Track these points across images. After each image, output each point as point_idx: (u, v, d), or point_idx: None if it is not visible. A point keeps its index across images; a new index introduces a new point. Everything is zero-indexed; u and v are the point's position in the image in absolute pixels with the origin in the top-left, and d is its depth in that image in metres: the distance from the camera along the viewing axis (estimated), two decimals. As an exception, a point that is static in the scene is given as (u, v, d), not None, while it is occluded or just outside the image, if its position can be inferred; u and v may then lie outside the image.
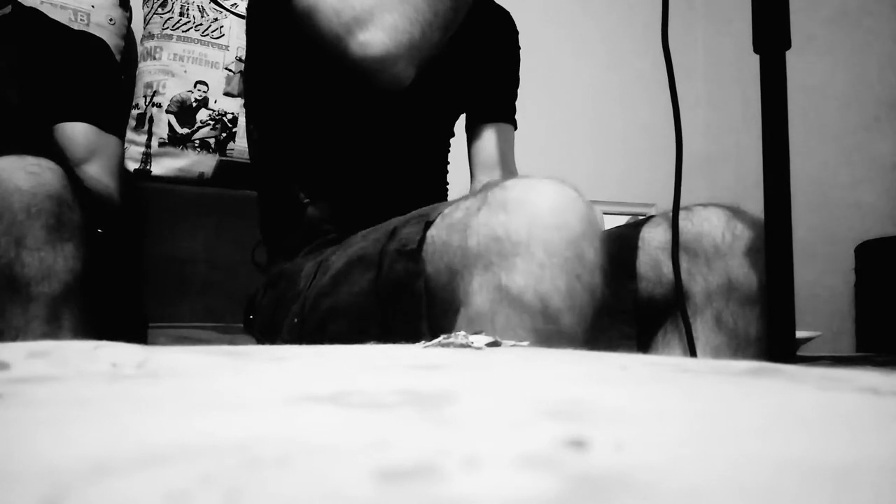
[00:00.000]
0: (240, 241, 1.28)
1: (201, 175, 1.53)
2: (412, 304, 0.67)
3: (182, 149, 1.52)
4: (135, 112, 1.52)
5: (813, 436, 0.19)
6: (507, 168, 1.15)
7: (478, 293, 0.61)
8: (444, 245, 0.65)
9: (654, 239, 0.85)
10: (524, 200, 0.61)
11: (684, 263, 0.79)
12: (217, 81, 1.54)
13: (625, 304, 0.83)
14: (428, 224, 0.68)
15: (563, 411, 0.21)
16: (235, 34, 1.56)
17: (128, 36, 1.60)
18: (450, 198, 1.13)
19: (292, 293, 0.86)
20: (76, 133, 1.23)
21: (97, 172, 1.21)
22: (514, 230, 0.60)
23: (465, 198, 0.68)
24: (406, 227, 0.72)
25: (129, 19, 1.60)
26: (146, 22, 1.57)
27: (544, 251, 0.59)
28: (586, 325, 0.60)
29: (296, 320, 0.83)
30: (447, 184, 1.13)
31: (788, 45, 0.64)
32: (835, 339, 1.96)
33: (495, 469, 0.15)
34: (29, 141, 1.16)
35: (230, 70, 1.56)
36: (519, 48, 1.19)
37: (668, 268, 0.81)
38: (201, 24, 1.55)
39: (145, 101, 1.51)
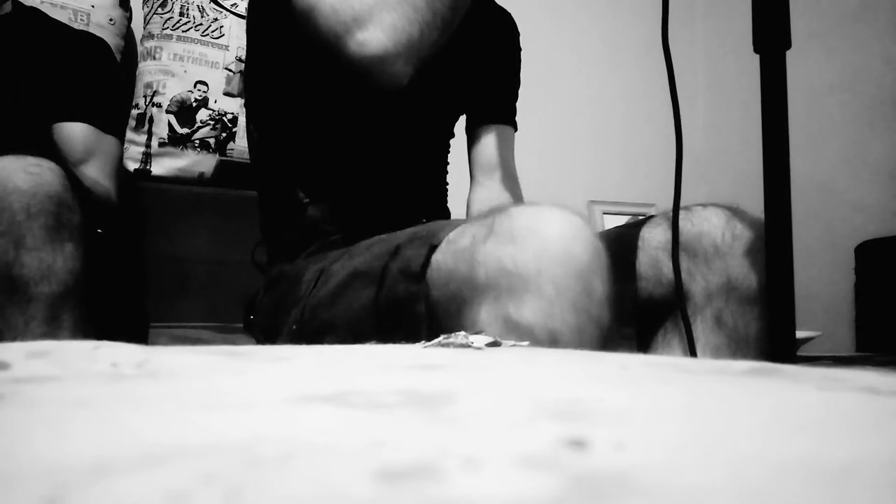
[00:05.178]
0: (240, 241, 1.28)
1: (201, 175, 1.53)
2: (412, 326, 0.67)
3: (182, 149, 1.52)
4: (135, 112, 1.52)
5: (813, 436, 0.19)
6: (507, 170, 1.15)
7: (486, 325, 0.60)
8: (451, 273, 0.65)
9: (654, 239, 0.85)
10: (532, 231, 0.60)
11: (684, 263, 0.79)
12: (217, 81, 1.54)
13: (625, 305, 0.83)
14: (433, 247, 0.68)
15: (563, 411, 0.21)
16: (235, 34, 1.56)
17: (128, 36, 1.60)
18: (449, 199, 1.13)
19: (292, 298, 0.86)
20: (75, 133, 1.23)
21: (95, 173, 1.21)
22: (522, 262, 0.59)
23: (470, 222, 0.68)
24: (409, 247, 0.71)
25: (129, 19, 1.60)
26: (146, 22, 1.57)
27: (553, 286, 0.58)
28: None
29: (294, 327, 0.82)
30: (447, 184, 1.13)
31: (788, 45, 0.64)
32: (835, 339, 1.96)
33: (495, 469, 0.15)
34: (28, 141, 1.16)
35: (230, 70, 1.56)
36: (520, 49, 1.18)
37: (668, 268, 0.81)
38: (201, 24, 1.55)
39: (145, 101, 1.51)
